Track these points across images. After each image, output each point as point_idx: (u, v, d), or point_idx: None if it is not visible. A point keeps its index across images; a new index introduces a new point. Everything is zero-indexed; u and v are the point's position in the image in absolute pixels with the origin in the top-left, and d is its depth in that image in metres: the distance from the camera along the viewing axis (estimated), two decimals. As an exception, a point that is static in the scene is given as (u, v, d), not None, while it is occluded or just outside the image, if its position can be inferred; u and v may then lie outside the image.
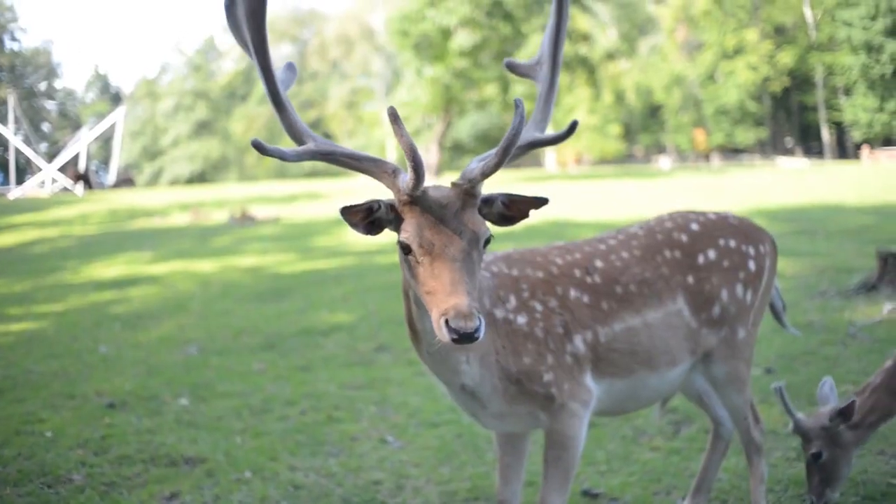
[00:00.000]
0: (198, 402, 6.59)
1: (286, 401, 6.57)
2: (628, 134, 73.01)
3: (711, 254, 3.64)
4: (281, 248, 18.01)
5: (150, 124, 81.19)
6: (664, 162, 68.96)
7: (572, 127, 2.87)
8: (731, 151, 69.86)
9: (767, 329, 7.91)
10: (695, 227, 3.69)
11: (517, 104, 2.51)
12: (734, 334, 3.67)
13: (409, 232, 2.60)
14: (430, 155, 48.56)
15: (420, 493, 4.72)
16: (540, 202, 2.77)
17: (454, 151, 62.56)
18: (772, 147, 70.00)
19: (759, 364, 6.92)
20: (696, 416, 5.66)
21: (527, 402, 3.19)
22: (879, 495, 4.38)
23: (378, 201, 2.68)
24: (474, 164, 2.73)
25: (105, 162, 70.11)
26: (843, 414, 3.94)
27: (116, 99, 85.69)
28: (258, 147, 2.63)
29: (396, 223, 2.69)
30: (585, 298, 3.34)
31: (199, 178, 76.00)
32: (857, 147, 61.55)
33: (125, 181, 62.70)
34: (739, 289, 3.66)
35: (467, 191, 2.65)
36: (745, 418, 3.83)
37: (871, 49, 57.02)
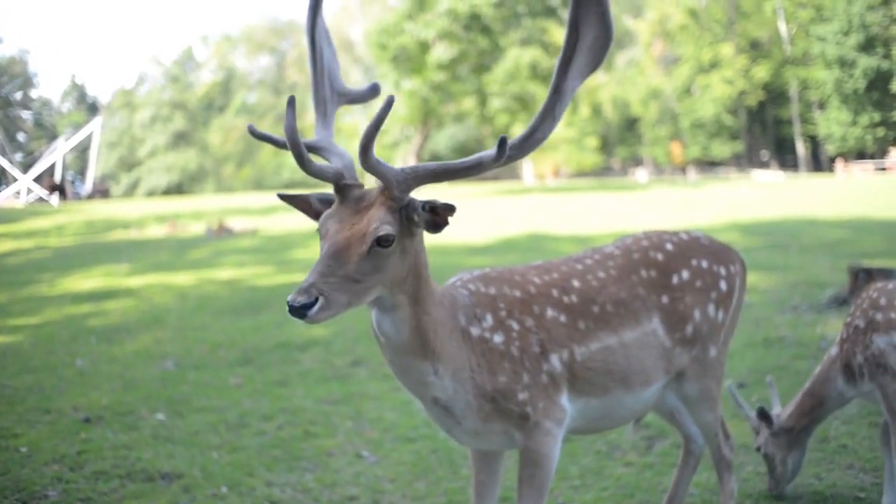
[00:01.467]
0: (174, 417, 6.59)
1: (263, 416, 6.59)
2: (605, 147, 73.38)
3: (685, 274, 3.68)
4: (258, 261, 17.99)
5: (127, 135, 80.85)
6: (641, 175, 69.35)
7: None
8: (708, 164, 70.40)
9: (740, 344, 8.02)
10: (669, 247, 3.74)
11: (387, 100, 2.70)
12: (706, 353, 3.72)
13: (321, 221, 2.84)
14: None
15: (395, 508, 4.76)
16: (449, 208, 2.86)
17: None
18: (747, 160, 70.58)
19: (731, 378, 7.00)
20: (669, 431, 5.73)
21: (501, 420, 3.20)
22: (847, 510, 4.45)
23: (318, 196, 3.00)
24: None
25: (81, 172, 69.70)
26: (762, 416, 4.29)
27: (93, 109, 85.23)
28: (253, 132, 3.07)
29: None
30: (563, 318, 3.36)
31: (177, 189, 75.72)
32: (832, 160, 62.23)
33: (100, 192, 62.35)
34: (711, 308, 3.71)
35: (382, 190, 2.81)
36: (716, 435, 3.89)
37: (844, 64, 57.73)
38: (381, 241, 2.72)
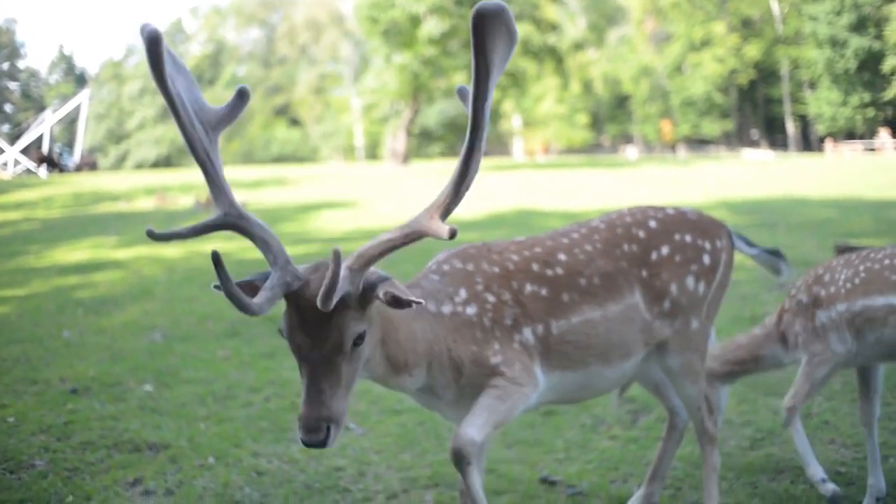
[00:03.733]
0: (162, 389, 6.60)
1: (250, 388, 6.61)
2: (596, 123, 73.41)
3: (665, 250, 3.70)
4: (247, 234, 17.92)
5: (115, 107, 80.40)
6: (631, 152, 69.41)
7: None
8: (698, 142, 70.45)
9: (726, 321, 8.06)
10: (652, 223, 3.75)
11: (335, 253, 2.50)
12: (688, 325, 3.74)
13: (283, 327, 2.75)
14: (398, 142, 48.55)
15: (381, 479, 4.79)
16: (417, 303, 2.74)
17: (422, 138, 62.54)
18: (737, 139, 70.65)
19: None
20: (654, 405, 5.77)
21: (479, 385, 3.23)
22: (828, 483, 4.49)
23: (262, 278, 2.79)
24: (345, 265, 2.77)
25: (69, 144, 69.31)
26: None
27: (81, 80, 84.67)
28: (151, 235, 2.74)
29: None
30: (543, 292, 3.38)
31: (165, 162, 75.41)
32: (821, 140, 62.32)
33: (87, 164, 62.02)
34: (691, 281, 3.72)
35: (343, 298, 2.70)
36: (699, 409, 3.91)
37: (835, 44, 57.73)
38: (357, 342, 2.74)
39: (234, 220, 2.81)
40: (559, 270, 3.45)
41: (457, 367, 3.19)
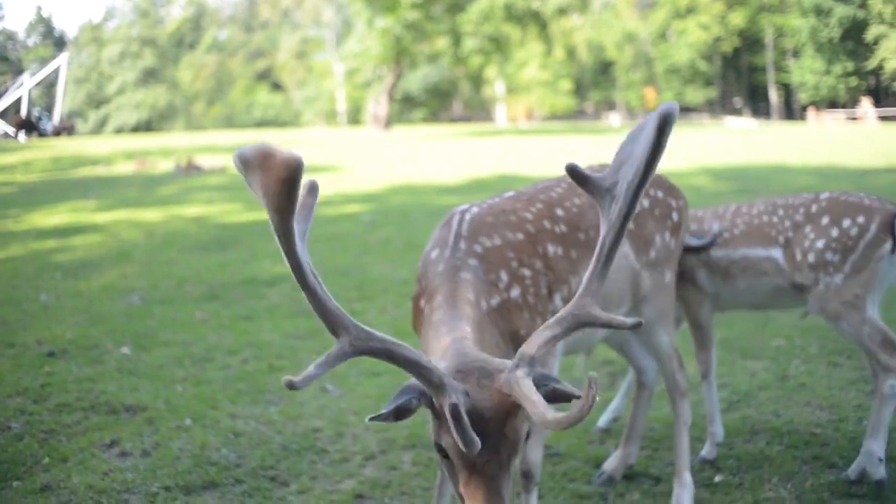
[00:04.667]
0: (139, 351, 6.57)
1: (228, 350, 6.58)
2: (579, 90, 73.23)
3: (646, 202, 3.80)
4: (227, 198, 17.87)
5: (95, 71, 79.46)
6: (614, 118, 69.31)
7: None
8: (681, 110, 70.15)
9: (705, 285, 8.07)
10: None
11: (590, 383, 2.04)
12: (663, 277, 3.87)
13: (448, 442, 2.25)
14: (380, 107, 48.31)
15: (359, 440, 4.79)
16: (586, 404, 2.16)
17: (405, 103, 62.31)
18: (721, 107, 70.67)
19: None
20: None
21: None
22: (803, 444, 4.54)
23: (415, 397, 2.27)
24: (521, 373, 2.26)
25: (48, 109, 68.61)
26: None
27: (60, 43, 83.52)
28: (291, 386, 2.11)
29: (431, 410, 2.32)
30: (560, 251, 3.37)
31: (146, 126, 74.78)
32: (804, 109, 62.41)
33: (65, 129, 61.38)
34: (668, 235, 3.87)
35: (515, 402, 2.23)
36: (671, 358, 3.96)
37: (820, 12, 57.62)
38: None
39: (365, 346, 2.31)
40: (563, 227, 3.44)
41: (505, 352, 3.05)
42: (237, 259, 10.51)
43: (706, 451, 4.45)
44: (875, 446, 3.98)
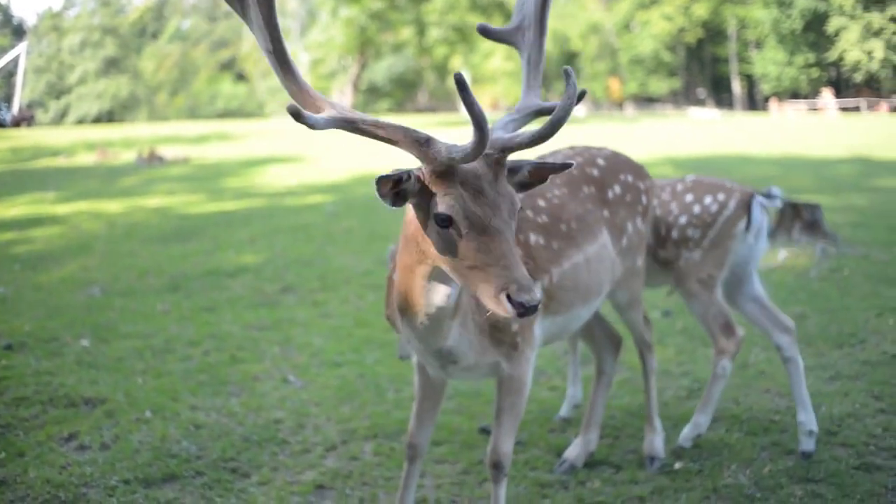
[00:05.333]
0: (99, 344, 6.49)
1: (189, 341, 6.53)
2: (544, 81, 72.96)
3: (617, 189, 3.84)
4: (189, 189, 17.72)
5: (55, 60, 78.09)
6: (579, 109, 69.46)
7: (581, 94, 2.67)
8: (645, 101, 70.76)
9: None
10: (601, 161, 3.89)
11: (568, 74, 2.42)
12: (635, 262, 3.96)
13: (449, 203, 2.43)
14: (344, 97, 48.12)
15: (320, 431, 4.77)
16: (565, 167, 2.63)
17: (369, 94, 62.06)
18: (684, 97, 71.09)
19: (657, 307, 7.13)
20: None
21: (495, 352, 3.21)
22: (762, 431, 4.59)
23: (408, 171, 2.49)
24: (500, 132, 2.67)
25: (7, 99, 67.49)
26: None
27: (19, 32, 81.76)
28: (294, 114, 2.37)
29: (421, 195, 2.52)
30: (541, 240, 3.40)
31: (108, 117, 73.73)
32: (766, 100, 63.00)
33: (25, 119, 60.33)
34: (639, 221, 3.94)
35: (498, 160, 2.52)
36: (639, 324, 4.22)
37: (782, 4, 58.21)
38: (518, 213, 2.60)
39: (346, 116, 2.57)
40: (545, 217, 3.46)
41: (479, 330, 3.12)
42: (199, 250, 10.42)
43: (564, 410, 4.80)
44: (702, 420, 4.44)
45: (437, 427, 4.76)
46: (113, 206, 14.96)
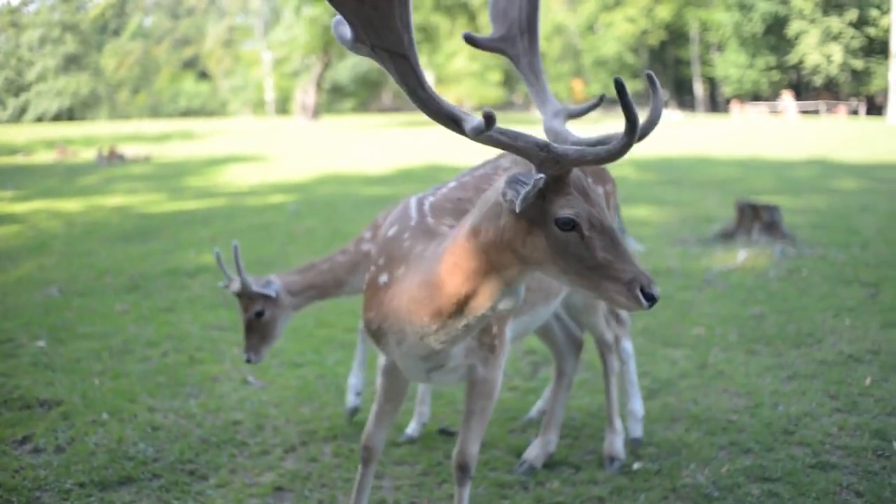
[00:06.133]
0: (56, 344, 6.40)
1: (148, 342, 6.46)
2: (508, 81, 73.41)
3: None
4: (150, 188, 17.55)
5: (13, 56, 77.03)
6: (543, 110, 69.70)
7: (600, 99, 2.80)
8: (608, 102, 70.89)
9: (628, 274, 8.16)
10: None
11: (652, 80, 2.44)
12: None
13: (575, 207, 2.46)
14: (308, 97, 47.92)
15: (279, 432, 4.74)
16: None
17: (333, 93, 61.86)
18: (647, 99, 71.15)
19: (618, 308, 7.15)
20: (555, 357, 5.83)
21: (475, 354, 3.21)
22: (720, 430, 4.61)
23: (540, 177, 2.44)
24: (572, 145, 2.68)
25: (-35, 96, 66.55)
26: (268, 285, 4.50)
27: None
28: (488, 118, 2.43)
29: (537, 202, 2.49)
30: None
31: (68, 114, 72.92)
32: (728, 102, 63.61)
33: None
34: None
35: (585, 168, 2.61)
36: (600, 326, 4.27)
37: (743, 7, 58.85)
38: None
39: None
40: None
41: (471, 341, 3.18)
42: (160, 249, 10.32)
43: (411, 428, 4.71)
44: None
45: (397, 428, 4.75)
46: (72, 205, 14.78)
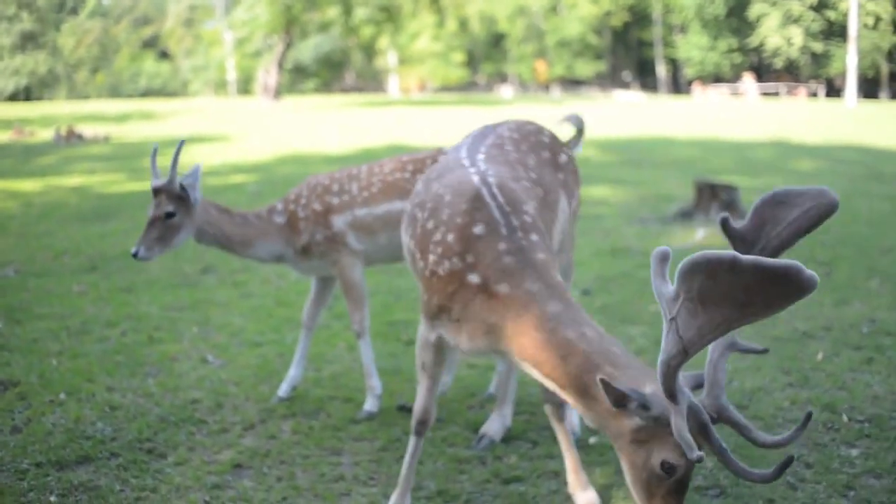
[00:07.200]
0: (12, 325, 6.34)
1: (106, 322, 6.42)
2: (471, 62, 73.38)
3: (563, 157, 3.90)
4: (109, 168, 17.35)
5: (-33, 35, 75.77)
6: (506, 91, 69.75)
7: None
8: (571, 83, 71.32)
9: (588, 253, 8.26)
10: (546, 132, 3.98)
11: None
12: (573, 229, 4.05)
13: (681, 463, 2.60)
14: (270, 77, 47.50)
15: (239, 410, 4.74)
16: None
17: (296, 74, 61.38)
18: (610, 80, 71.81)
19: (577, 286, 7.21)
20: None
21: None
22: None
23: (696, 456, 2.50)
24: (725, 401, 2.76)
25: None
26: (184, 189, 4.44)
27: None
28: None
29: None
30: (538, 210, 3.48)
31: (25, 94, 71.75)
32: (690, 83, 64.03)
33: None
34: (578, 191, 4.01)
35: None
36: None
37: (706, -11, 59.16)
38: None
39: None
40: (540, 190, 3.58)
41: None
42: (119, 230, 10.22)
43: (369, 404, 4.71)
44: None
45: (356, 405, 4.78)
46: (29, 185, 14.58)
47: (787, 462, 2.35)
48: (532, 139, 3.83)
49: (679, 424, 2.45)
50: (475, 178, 3.33)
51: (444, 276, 3.18)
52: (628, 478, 2.72)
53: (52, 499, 3.70)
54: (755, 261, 2.16)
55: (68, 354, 5.66)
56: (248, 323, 6.37)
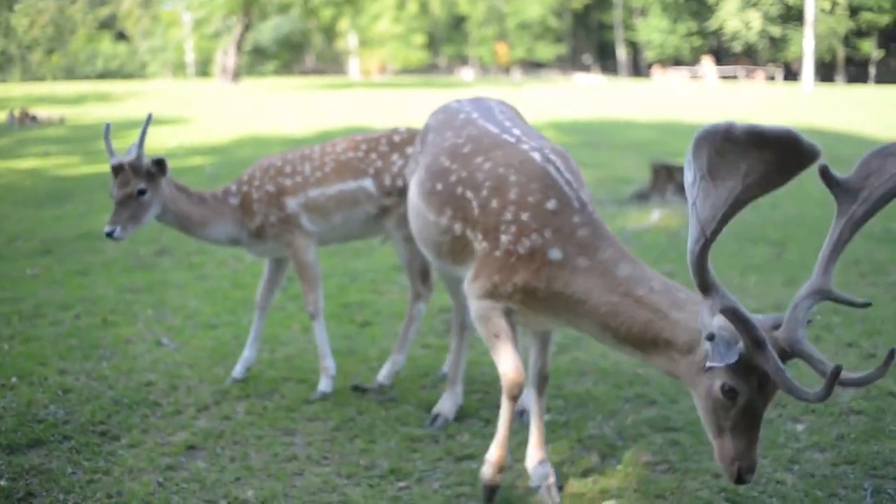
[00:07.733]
0: (-37, 309, 6.28)
1: (60, 305, 6.37)
2: (432, 44, 73.06)
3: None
4: (64, 151, 17.10)
5: (-82, 14, 74.27)
6: (467, 73, 69.65)
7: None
8: (532, 66, 71.36)
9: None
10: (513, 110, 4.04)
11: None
12: None
13: (744, 387, 2.65)
14: (228, 59, 47.06)
15: (193, 392, 4.74)
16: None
17: (255, 55, 60.86)
18: (571, 63, 71.96)
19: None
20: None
21: None
22: (627, 383, 4.79)
23: (739, 350, 2.63)
24: (802, 334, 2.70)
25: None
26: (160, 164, 4.50)
27: None
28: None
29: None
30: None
31: (-21, 75, 70.56)
32: (650, 66, 64.34)
33: None
34: None
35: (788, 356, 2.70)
36: (431, 281, 4.69)
37: (665, -28, 59.43)
38: None
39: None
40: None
41: None
42: (73, 213, 10.12)
43: (323, 385, 4.73)
44: (399, 358, 4.86)
45: (310, 386, 4.80)
46: (-19, 168, 14.37)
47: (835, 374, 2.36)
48: (514, 112, 3.97)
49: (705, 316, 2.63)
50: (536, 156, 3.41)
51: (524, 255, 3.26)
52: (701, 416, 2.83)
53: (2, 482, 3.68)
54: (750, 125, 2.19)
55: (20, 338, 5.62)
56: (204, 305, 6.35)
